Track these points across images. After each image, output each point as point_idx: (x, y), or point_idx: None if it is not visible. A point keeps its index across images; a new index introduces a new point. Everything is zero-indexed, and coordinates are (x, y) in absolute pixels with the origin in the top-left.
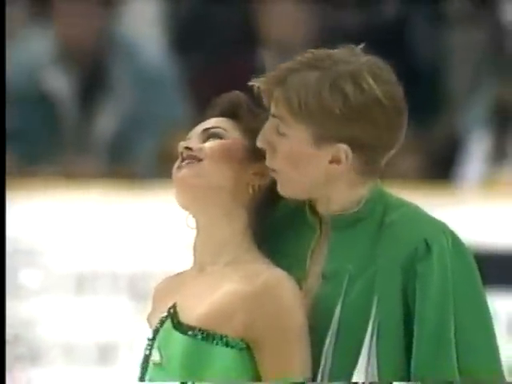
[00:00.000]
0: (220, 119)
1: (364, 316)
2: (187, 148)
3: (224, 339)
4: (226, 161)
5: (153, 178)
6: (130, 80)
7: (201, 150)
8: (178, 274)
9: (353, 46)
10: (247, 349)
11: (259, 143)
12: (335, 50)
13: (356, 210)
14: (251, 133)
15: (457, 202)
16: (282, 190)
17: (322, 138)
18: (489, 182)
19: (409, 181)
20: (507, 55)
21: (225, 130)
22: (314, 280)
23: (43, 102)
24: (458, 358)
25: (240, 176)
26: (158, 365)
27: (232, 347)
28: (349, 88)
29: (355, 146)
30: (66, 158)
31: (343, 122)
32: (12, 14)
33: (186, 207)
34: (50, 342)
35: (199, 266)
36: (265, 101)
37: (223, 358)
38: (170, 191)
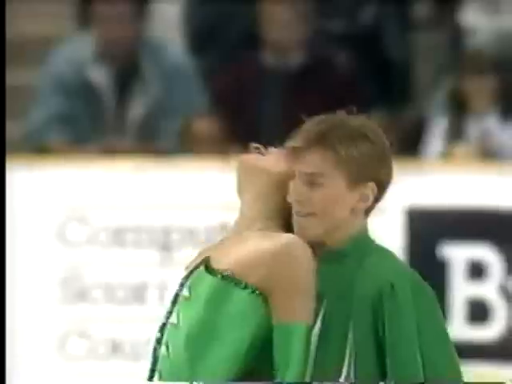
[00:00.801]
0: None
1: (342, 335)
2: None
3: (244, 284)
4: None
5: (175, 153)
6: (157, 73)
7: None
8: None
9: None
10: (261, 295)
11: (291, 198)
12: (340, 117)
13: (345, 247)
14: None
15: (422, 171)
16: (306, 234)
17: (356, 180)
18: (447, 156)
19: None
20: (463, 53)
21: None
22: None
23: (87, 91)
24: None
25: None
26: (187, 299)
27: (250, 292)
28: (373, 136)
29: (377, 184)
30: (105, 137)
31: (373, 164)
32: (61, 21)
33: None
34: (94, 283)
35: (237, 231)
36: (290, 161)
37: (241, 300)
38: (189, 164)
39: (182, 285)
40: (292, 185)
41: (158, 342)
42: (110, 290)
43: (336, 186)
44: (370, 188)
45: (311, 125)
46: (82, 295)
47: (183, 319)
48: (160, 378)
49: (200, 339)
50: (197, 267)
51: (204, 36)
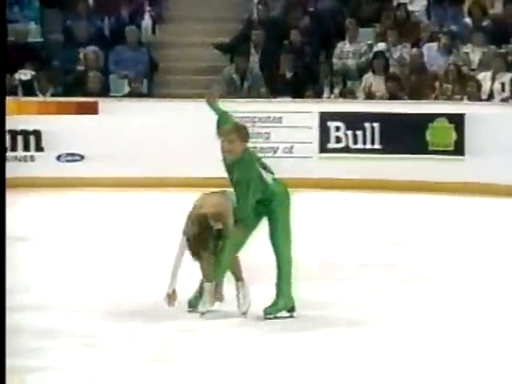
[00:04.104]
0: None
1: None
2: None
3: None
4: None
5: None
6: (251, 76)
7: None
8: None
9: None
10: None
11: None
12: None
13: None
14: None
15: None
16: (228, 157)
17: (242, 140)
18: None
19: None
20: None
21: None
22: None
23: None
24: None
25: None
26: None
27: None
28: (242, 126)
29: (245, 141)
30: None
31: (244, 136)
32: (223, 58)
33: None
34: None
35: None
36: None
37: None
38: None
39: None
40: (222, 143)
41: None
42: None
43: (236, 141)
44: (245, 143)
45: (234, 121)
46: None
47: None
48: None
49: None
50: None
51: (262, 67)
